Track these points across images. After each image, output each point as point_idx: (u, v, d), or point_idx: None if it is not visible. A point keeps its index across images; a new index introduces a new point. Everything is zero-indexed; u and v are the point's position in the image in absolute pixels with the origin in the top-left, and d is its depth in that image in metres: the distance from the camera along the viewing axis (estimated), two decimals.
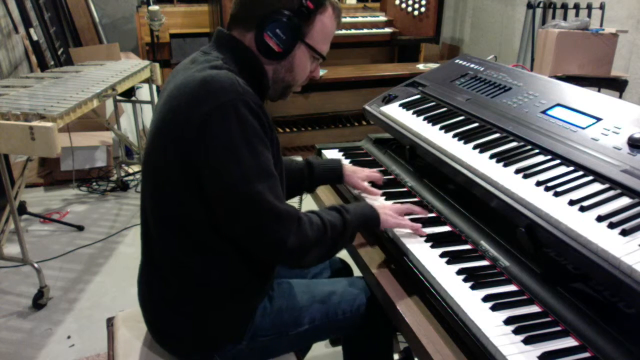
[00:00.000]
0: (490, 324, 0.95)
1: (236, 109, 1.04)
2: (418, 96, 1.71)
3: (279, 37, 1.13)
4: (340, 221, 1.19)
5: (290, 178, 1.39)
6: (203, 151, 1.05)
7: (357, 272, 1.42)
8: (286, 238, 1.08)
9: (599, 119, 1.23)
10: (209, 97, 1.04)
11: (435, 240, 1.23)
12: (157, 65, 3.26)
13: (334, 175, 1.54)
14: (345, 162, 1.67)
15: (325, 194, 1.68)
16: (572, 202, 1.02)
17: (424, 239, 1.24)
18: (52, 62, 3.90)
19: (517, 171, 1.17)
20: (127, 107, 4.01)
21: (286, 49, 1.15)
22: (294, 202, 1.57)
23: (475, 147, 1.31)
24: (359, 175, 1.54)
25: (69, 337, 2.20)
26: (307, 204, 1.56)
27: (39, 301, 2.37)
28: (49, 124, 1.98)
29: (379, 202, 1.44)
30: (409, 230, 1.27)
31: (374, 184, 1.53)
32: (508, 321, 0.96)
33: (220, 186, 1.06)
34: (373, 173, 1.55)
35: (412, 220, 1.30)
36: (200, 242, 1.15)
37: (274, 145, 1.16)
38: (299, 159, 1.34)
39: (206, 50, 1.19)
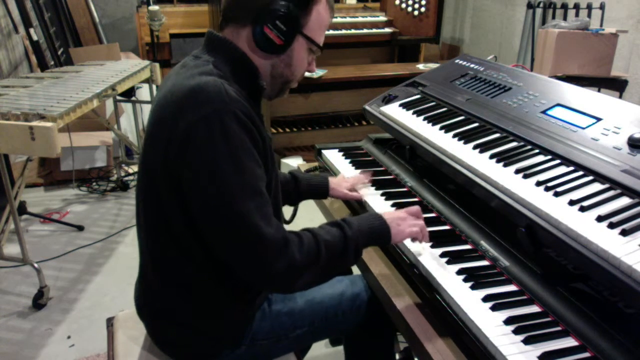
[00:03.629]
0: (490, 324, 0.95)
1: (221, 120, 0.99)
2: (418, 96, 1.71)
3: (279, 29, 1.07)
4: (340, 239, 1.10)
5: None
6: (184, 166, 1.01)
7: (356, 271, 1.41)
8: (271, 263, 1.01)
9: (599, 119, 1.23)
10: (194, 108, 1.00)
11: (435, 240, 1.23)
12: (157, 65, 3.26)
13: (319, 193, 1.52)
14: (344, 170, 1.65)
15: None
16: (572, 202, 1.02)
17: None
18: (52, 62, 3.91)
19: (517, 171, 1.17)
20: (127, 107, 4.01)
21: (287, 41, 1.10)
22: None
23: (475, 147, 1.31)
24: (344, 186, 1.51)
25: (69, 337, 2.20)
26: (307, 204, 1.56)
27: (39, 301, 2.37)
28: (49, 124, 1.98)
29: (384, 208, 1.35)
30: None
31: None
32: (508, 321, 0.96)
33: (200, 204, 1.02)
34: (359, 178, 1.53)
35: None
36: (190, 248, 1.11)
37: (268, 152, 1.11)
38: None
39: (197, 54, 1.15)
